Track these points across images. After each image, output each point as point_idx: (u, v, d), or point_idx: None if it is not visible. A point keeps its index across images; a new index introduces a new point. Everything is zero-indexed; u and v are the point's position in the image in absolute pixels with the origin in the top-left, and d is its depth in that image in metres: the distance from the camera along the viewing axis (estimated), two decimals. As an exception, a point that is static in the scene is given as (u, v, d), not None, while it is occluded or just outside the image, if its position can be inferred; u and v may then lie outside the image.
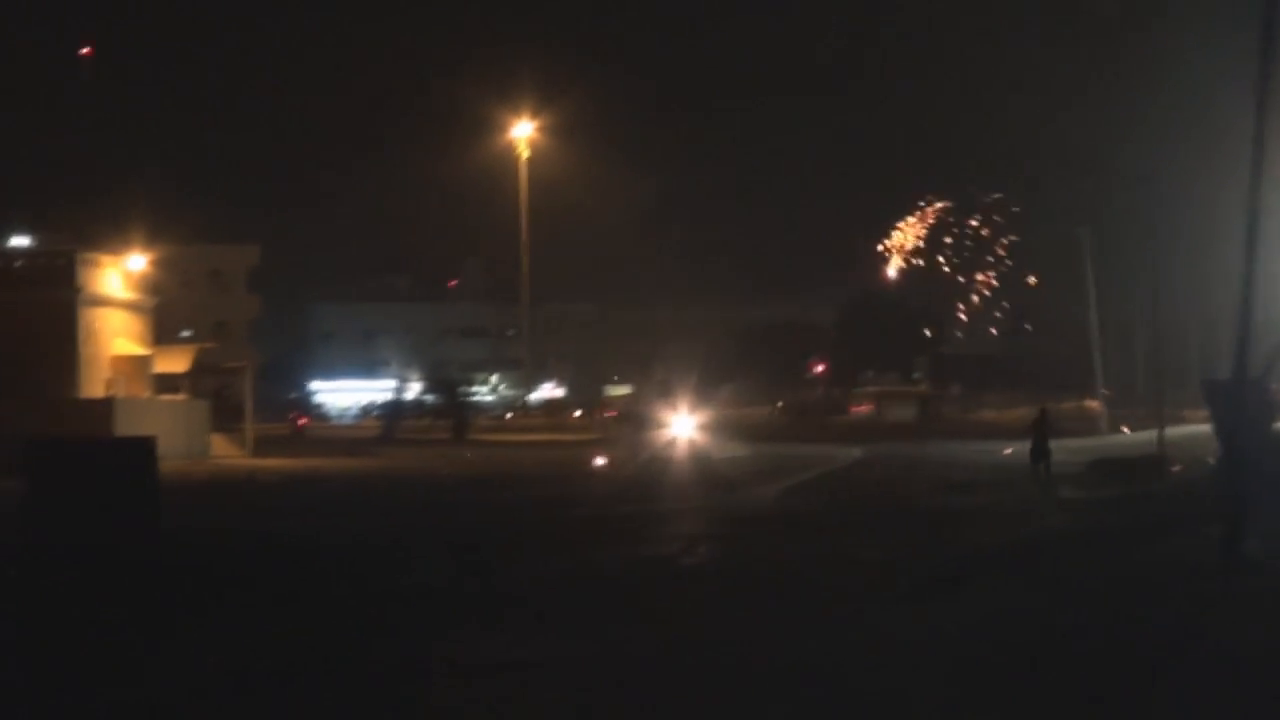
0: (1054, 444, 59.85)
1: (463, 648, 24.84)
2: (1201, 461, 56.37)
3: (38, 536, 23.67)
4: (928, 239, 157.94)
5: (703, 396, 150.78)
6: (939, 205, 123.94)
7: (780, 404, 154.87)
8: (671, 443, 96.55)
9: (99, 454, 25.99)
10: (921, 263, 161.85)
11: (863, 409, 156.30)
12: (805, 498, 57.89)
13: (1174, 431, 74.17)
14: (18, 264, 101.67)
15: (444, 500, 59.61)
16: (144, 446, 24.55)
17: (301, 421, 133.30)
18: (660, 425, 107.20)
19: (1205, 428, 64.20)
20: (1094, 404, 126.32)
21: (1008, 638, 25.83)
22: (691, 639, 25.82)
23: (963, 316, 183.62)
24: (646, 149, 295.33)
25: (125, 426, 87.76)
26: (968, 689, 21.75)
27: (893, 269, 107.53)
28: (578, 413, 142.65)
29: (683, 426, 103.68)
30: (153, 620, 27.27)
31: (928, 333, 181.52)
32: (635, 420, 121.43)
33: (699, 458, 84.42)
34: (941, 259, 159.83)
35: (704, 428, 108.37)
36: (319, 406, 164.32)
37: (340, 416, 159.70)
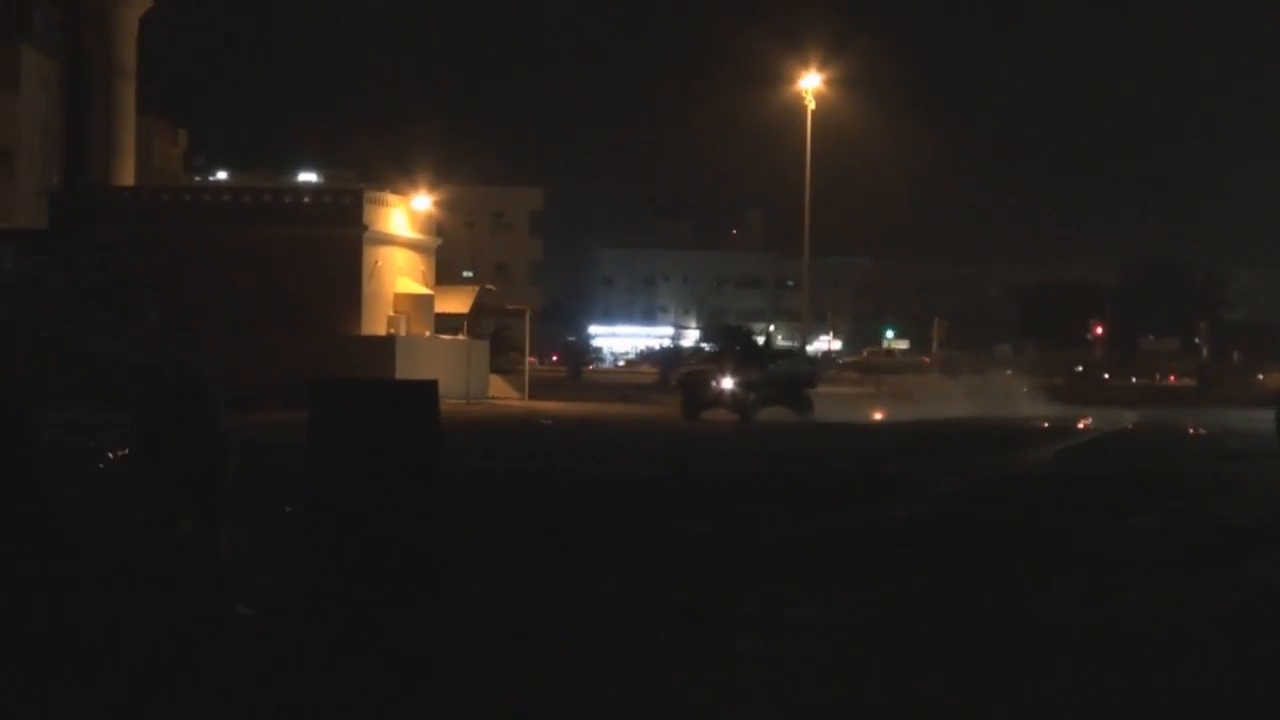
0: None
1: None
2: None
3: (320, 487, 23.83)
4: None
5: (981, 356, 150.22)
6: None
7: (1080, 368, 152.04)
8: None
9: (381, 396, 26.02)
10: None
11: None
12: (1079, 461, 57.45)
13: None
14: (306, 200, 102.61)
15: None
16: (427, 390, 24.58)
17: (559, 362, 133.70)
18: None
19: None
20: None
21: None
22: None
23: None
24: (932, 104, 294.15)
25: (406, 365, 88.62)
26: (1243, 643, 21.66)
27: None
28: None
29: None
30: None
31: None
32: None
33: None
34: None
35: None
36: (597, 350, 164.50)
37: (615, 360, 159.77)
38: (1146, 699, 19.44)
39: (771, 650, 21.75)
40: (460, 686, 19.25)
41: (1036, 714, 18.67)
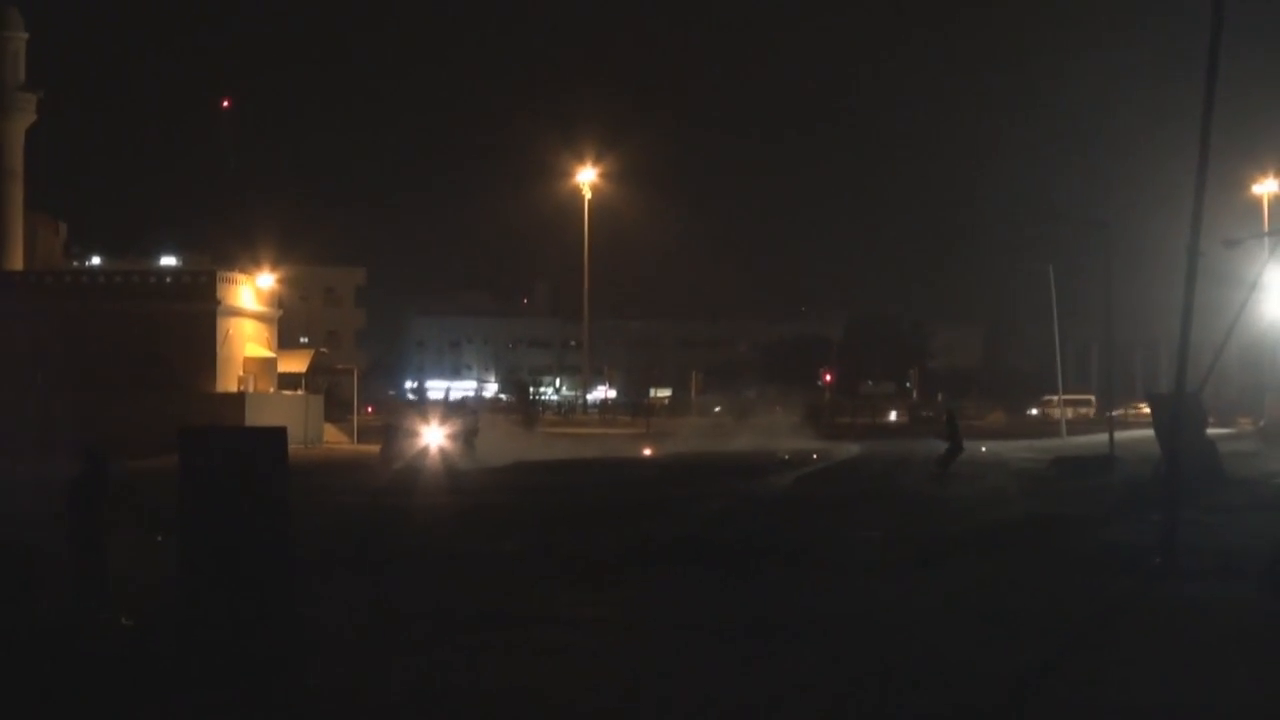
0: (1023, 443, 59.74)
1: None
2: (1144, 460, 56.34)
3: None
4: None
5: (730, 398, 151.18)
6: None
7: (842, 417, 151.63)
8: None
9: (239, 440, 26.18)
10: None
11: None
12: (814, 485, 58.04)
13: (1122, 434, 74.17)
14: (168, 279, 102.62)
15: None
16: (277, 435, 24.77)
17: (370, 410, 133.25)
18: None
19: (1148, 433, 64.26)
20: (1054, 411, 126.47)
21: (982, 596, 26.32)
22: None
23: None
24: (693, 187, 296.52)
25: (255, 416, 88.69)
26: (959, 630, 22.23)
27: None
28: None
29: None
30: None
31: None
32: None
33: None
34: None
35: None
36: (415, 401, 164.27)
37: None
38: (879, 665, 19.97)
39: (564, 639, 22.15)
40: (318, 674, 19.48)
41: (784, 674, 19.12)
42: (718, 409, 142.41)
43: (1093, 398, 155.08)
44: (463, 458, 71.97)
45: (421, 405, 74.74)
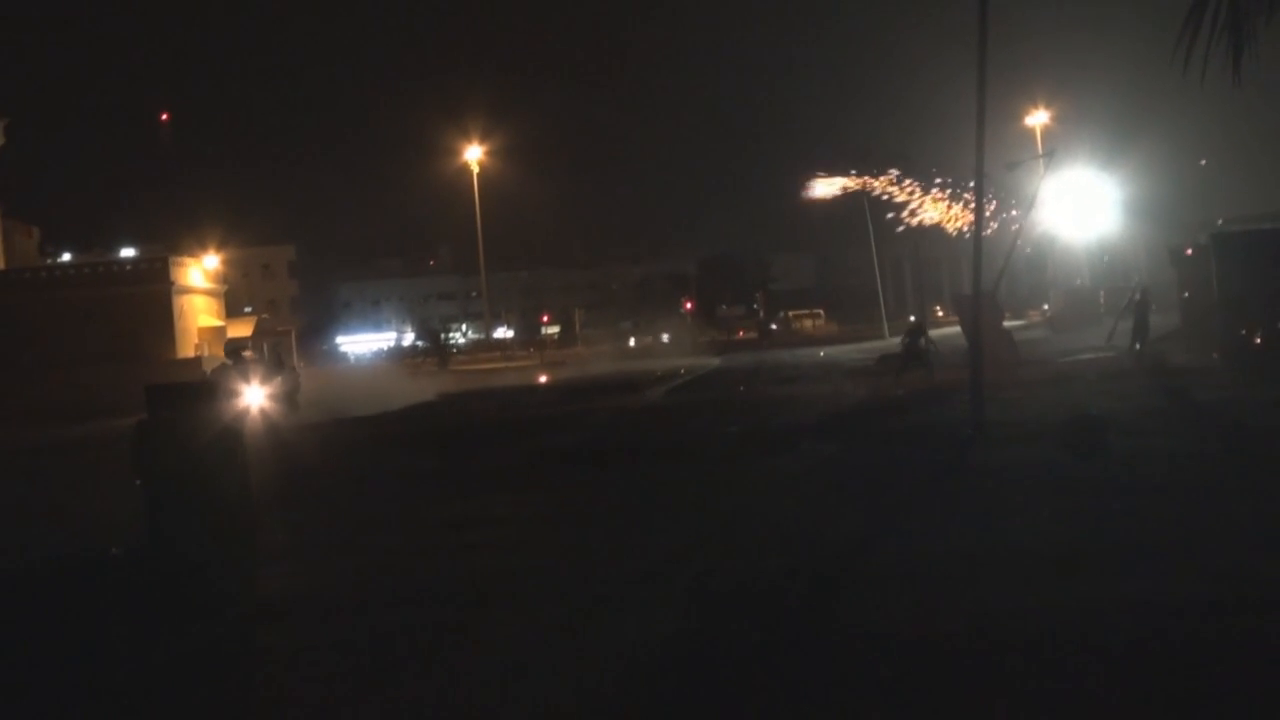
0: (852, 346, 60.03)
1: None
2: (955, 352, 56.85)
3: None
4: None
5: (609, 330, 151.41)
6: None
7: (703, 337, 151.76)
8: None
9: (197, 392, 26.01)
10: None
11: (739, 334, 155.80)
12: (682, 395, 58.27)
13: (935, 333, 74.67)
14: (129, 267, 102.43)
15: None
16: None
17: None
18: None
19: (956, 330, 64.80)
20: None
21: (825, 473, 26.56)
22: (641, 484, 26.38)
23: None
24: (566, 151, 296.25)
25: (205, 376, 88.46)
26: (808, 499, 22.43)
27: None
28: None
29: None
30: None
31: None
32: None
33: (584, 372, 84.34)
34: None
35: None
36: (345, 354, 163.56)
37: (358, 359, 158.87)
38: (743, 530, 20.12)
39: (494, 534, 22.19)
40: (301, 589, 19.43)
41: (672, 540, 19.26)
42: (630, 339, 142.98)
43: (822, 310, 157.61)
44: (285, 416, 60.28)
45: (242, 366, 65.45)
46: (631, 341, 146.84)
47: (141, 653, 16.06)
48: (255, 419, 56.15)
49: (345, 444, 43.27)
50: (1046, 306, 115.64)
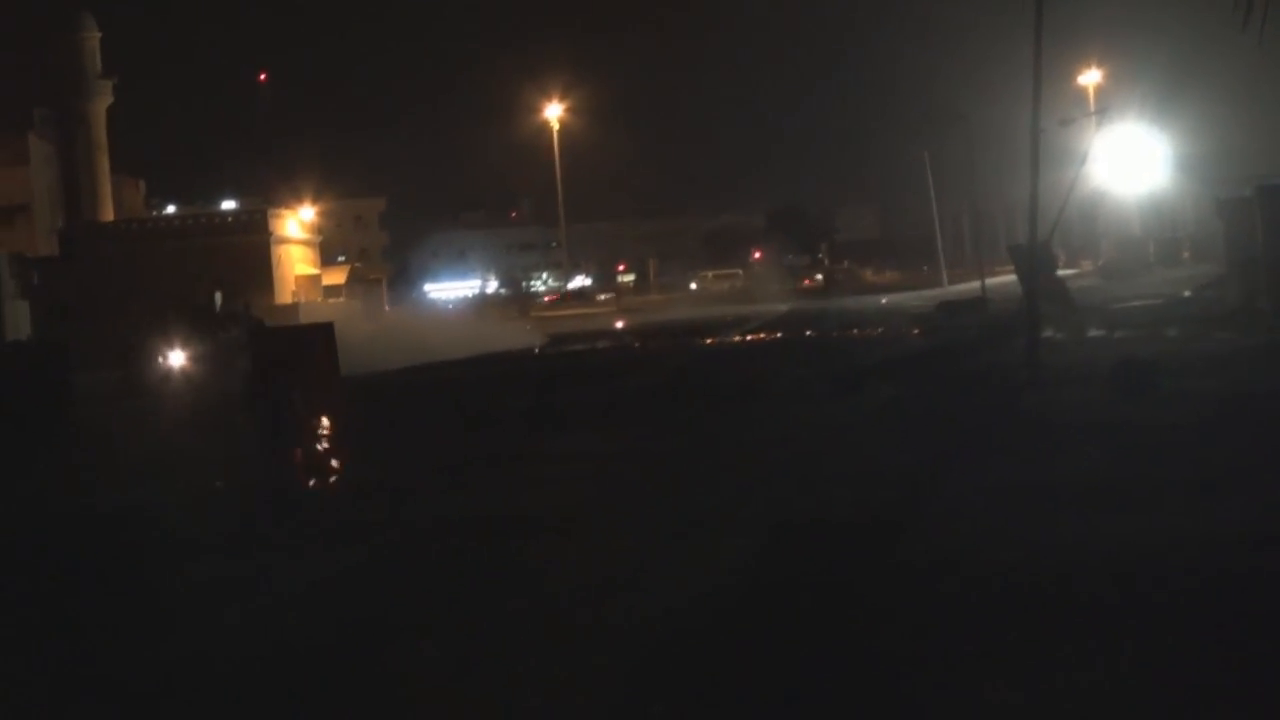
0: (913, 294, 59.87)
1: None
2: (1009, 300, 56.64)
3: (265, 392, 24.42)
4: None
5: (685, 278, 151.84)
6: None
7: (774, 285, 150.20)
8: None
9: (300, 333, 26.73)
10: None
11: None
12: (755, 339, 58.41)
13: (991, 281, 74.55)
14: (230, 219, 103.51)
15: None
16: (328, 328, 25.28)
17: None
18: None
19: (1011, 279, 64.61)
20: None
21: (889, 413, 26.74)
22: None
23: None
24: (639, 102, 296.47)
25: (307, 320, 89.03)
26: (872, 438, 22.61)
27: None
28: (600, 297, 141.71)
29: None
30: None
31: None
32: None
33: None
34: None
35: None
36: (433, 300, 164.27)
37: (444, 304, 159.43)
38: (816, 461, 20.32)
39: (583, 468, 22.48)
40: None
41: (747, 477, 19.47)
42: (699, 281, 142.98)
43: (740, 270, 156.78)
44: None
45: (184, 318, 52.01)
46: (699, 287, 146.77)
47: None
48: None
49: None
50: (1097, 258, 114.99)
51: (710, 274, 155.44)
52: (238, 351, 47.16)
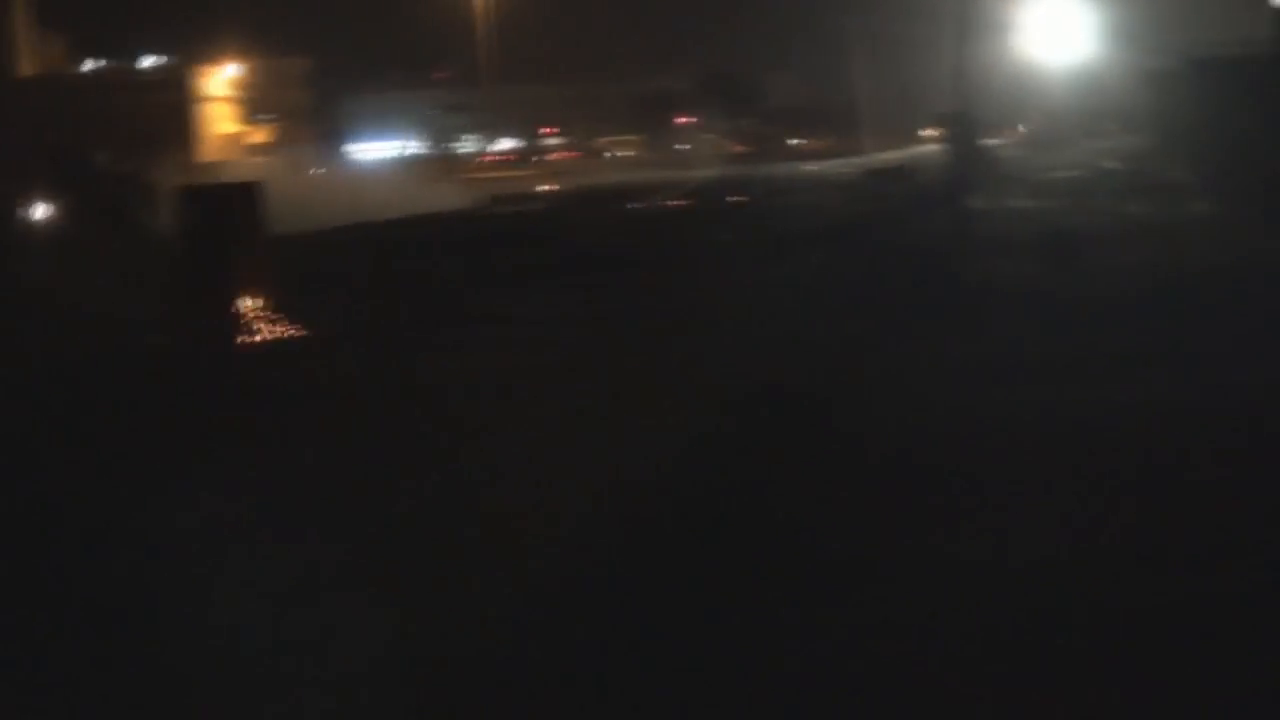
0: (842, 161, 59.61)
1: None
2: (930, 170, 56.35)
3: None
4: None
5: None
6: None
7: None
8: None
9: (224, 191, 26.82)
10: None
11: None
12: (679, 204, 58.16)
13: (916, 151, 74.55)
14: (153, 76, 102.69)
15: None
16: (255, 187, 25.30)
17: None
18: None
19: (929, 148, 64.43)
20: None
21: (820, 281, 26.80)
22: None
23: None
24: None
25: (229, 178, 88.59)
26: (804, 307, 22.72)
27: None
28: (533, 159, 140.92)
29: None
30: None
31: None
32: None
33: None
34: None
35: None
36: (358, 161, 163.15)
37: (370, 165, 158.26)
38: (746, 338, 20.39)
39: (511, 332, 22.48)
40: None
41: (681, 350, 19.55)
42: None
43: (637, 137, 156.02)
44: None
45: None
46: (631, 152, 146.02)
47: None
48: None
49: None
50: (1022, 127, 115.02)
51: (606, 140, 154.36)
52: (121, 209, 46.39)
